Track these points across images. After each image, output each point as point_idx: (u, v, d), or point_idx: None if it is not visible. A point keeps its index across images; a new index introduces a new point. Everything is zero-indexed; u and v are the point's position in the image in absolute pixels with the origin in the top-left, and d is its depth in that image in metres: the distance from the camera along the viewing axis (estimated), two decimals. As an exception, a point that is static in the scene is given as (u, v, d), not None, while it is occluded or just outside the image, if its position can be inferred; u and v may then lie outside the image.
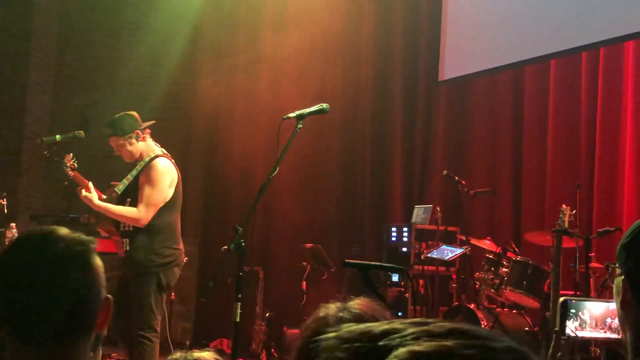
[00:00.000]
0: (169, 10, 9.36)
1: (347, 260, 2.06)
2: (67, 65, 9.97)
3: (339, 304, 1.79)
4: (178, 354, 2.10)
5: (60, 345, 1.52)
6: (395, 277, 7.55)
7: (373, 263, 2.44)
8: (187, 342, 9.22)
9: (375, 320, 0.97)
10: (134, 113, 5.29)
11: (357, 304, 1.80)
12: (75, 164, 5.06)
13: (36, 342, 1.51)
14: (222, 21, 9.46)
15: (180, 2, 9.37)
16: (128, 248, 5.09)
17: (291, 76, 8.87)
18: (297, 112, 4.00)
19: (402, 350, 0.77)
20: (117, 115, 5.25)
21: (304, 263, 7.74)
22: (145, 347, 4.93)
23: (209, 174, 9.70)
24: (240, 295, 3.69)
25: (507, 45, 7.86)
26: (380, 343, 0.79)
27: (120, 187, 5.11)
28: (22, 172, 8.93)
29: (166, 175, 5.11)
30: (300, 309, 7.61)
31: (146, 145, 5.20)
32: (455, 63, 8.42)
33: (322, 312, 1.78)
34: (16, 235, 5.55)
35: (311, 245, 7.73)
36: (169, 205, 5.13)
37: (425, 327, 0.80)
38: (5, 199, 5.92)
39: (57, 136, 5.17)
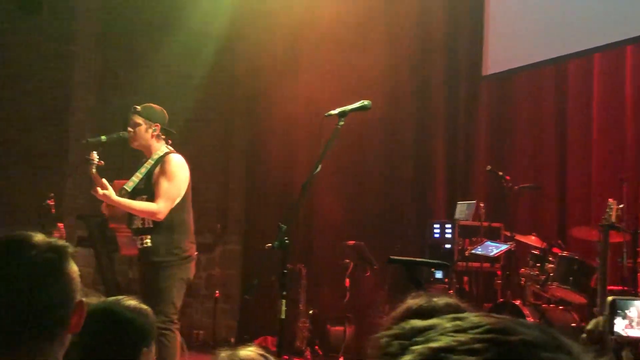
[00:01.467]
0: (206, 10, 9.42)
1: (392, 257, 2.05)
2: (109, 66, 10.10)
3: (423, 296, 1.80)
4: (224, 353, 2.12)
5: (33, 348, 1.55)
6: (439, 274, 7.50)
7: (418, 259, 2.42)
8: (232, 340, 9.29)
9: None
10: (166, 113, 5.38)
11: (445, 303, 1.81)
12: (102, 162, 5.12)
13: (7, 345, 1.54)
14: (259, 21, 9.48)
15: (217, 2, 9.43)
16: (146, 245, 5.15)
17: (330, 74, 8.87)
18: (339, 110, 3.99)
19: (420, 347, 0.80)
20: (154, 105, 5.38)
21: (347, 260, 7.74)
22: (169, 339, 5.01)
23: (249, 173, 9.75)
24: (285, 293, 3.71)
25: (551, 40, 7.76)
26: (416, 339, 0.82)
27: (130, 185, 5.18)
28: (68, 173, 9.08)
29: (181, 170, 5.22)
30: (344, 306, 7.61)
31: (157, 145, 5.28)
32: (499, 58, 8.33)
33: (407, 305, 1.80)
34: (64, 235, 5.65)
35: (354, 242, 7.72)
36: (183, 201, 5.23)
37: (457, 322, 0.82)
38: (53, 200, 6.02)
39: (103, 137, 5.24)
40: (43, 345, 1.57)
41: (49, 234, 5.00)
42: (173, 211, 5.16)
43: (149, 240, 5.16)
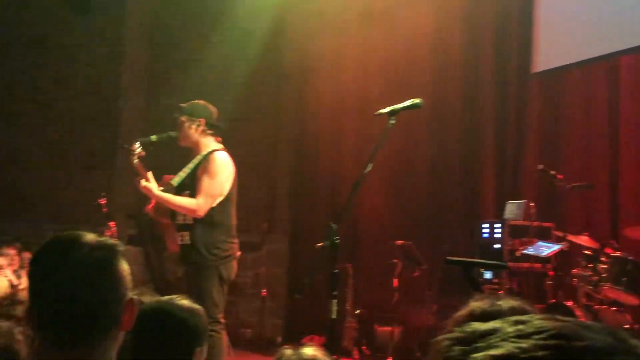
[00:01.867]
0: (253, 8, 9.46)
1: (449, 258, 2.01)
2: (158, 67, 10.20)
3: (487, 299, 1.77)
4: (289, 351, 2.11)
5: (85, 346, 1.56)
6: (488, 275, 7.42)
7: (476, 260, 2.38)
8: (278, 339, 9.30)
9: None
10: (213, 109, 5.38)
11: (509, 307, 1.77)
12: (143, 152, 5.13)
13: (61, 343, 1.55)
14: (306, 19, 9.48)
15: (263, 1, 9.46)
16: (185, 242, 5.16)
17: (378, 72, 8.83)
18: (390, 108, 3.95)
19: (481, 355, 0.77)
20: (199, 100, 5.38)
21: (395, 260, 7.69)
22: (215, 339, 5.00)
23: (296, 172, 9.76)
24: (335, 292, 3.69)
25: (602, 35, 7.62)
26: (477, 345, 0.80)
27: (176, 180, 5.19)
28: (118, 173, 9.19)
29: (224, 168, 5.19)
30: (392, 306, 7.56)
31: (206, 140, 5.28)
32: (549, 54, 8.21)
33: (470, 307, 1.77)
34: (115, 233, 5.71)
35: (402, 242, 7.67)
36: (227, 200, 5.20)
37: (519, 327, 0.79)
38: (105, 199, 6.09)
39: (153, 137, 5.27)
40: (96, 343, 1.58)
41: (100, 232, 5.07)
42: (214, 209, 5.15)
43: (187, 238, 5.17)
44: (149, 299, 2.47)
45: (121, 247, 1.67)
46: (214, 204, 5.16)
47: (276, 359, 2.15)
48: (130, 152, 5.10)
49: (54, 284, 1.58)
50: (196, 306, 2.51)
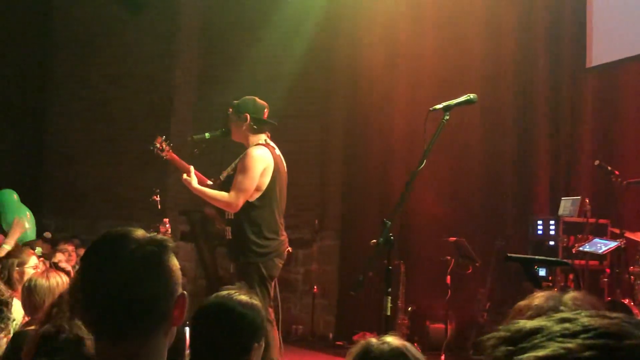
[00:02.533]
0: (303, 4, 9.47)
1: (509, 255, 1.98)
2: (210, 64, 10.28)
3: (549, 295, 1.73)
4: (374, 340, 2.11)
5: (137, 341, 1.58)
6: (542, 272, 7.31)
7: (537, 257, 2.35)
8: (330, 335, 9.32)
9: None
10: (263, 104, 5.35)
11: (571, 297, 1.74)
12: (164, 145, 5.15)
13: (114, 338, 1.57)
14: (357, 16, 9.45)
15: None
16: (228, 237, 5.18)
17: (429, 68, 8.76)
18: (444, 104, 3.91)
19: (526, 357, 0.76)
20: (251, 96, 5.39)
21: (448, 257, 7.62)
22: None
23: (347, 169, 9.74)
24: (390, 289, 3.67)
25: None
26: (522, 345, 0.78)
27: (224, 175, 5.22)
28: (171, 169, 9.28)
29: (258, 163, 5.12)
30: (445, 303, 7.50)
31: (254, 137, 5.25)
32: (604, 49, 8.05)
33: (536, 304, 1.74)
34: (169, 230, 5.77)
35: (455, 238, 7.61)
36: (266, 196, 5.15)
37: (566, 325, 0.77)
38: (159, 196, 6.16)
39: (207, 134, 5.31)
40: (147, 338, 1.60)
41: (155, 228, 5.14)
42: (252, 205, 5.12)
43: (229, 233, 5.19)
44: (245, 296, 2.45)
45: (171, 243, 1.68)
46: (252, 200, 5.13)
47: (362, 348, 2.13)
48: (153, 146, 5.13)
49: (104, 279, 1.60)
50: (254, 301, 2.52)
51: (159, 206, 6.20)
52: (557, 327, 0.77)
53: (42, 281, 3.46)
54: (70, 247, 7.23)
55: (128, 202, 9.29)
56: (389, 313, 3.66)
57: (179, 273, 1.66)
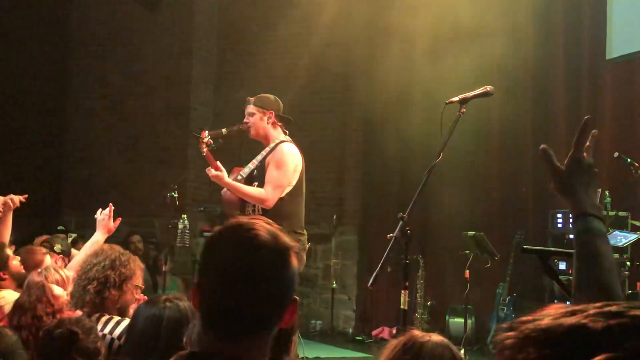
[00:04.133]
0: (322, 2, 9.44)
1: (526, 247, 1.96)
2: (227, 61, 10.31)
3: None
4: (417, 332, 2.09)
5: (248, 341, 1.56)
6: (562, 265, 7.27)
7: (555, 249, 2.32)
8: (350, 330, 9.32)
9: None
10: (280, 102, 5.39)
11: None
12: (211, 141, 5.16)
13: (226, 335, 1.55)
14: (374, 7, 9.42)
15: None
16: None
17: (448, 60, 8.71)
18: (461, 96, 3.89)
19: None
20: (269, 94, 5.43)
21: (467, 251, 7.59)
22: None
23: (365, 163, 9.73)
24: (407, 284, 3.66)
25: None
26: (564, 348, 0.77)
27: (245, 171, 5.22)
28: (189, 166, 9.33)
29: (291, 159, 5.18)
30: (465, 297, 7.47)
31: (275, 132, 5.30)
32: (624, 39, 7.97)
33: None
34: (187, 226, 5.79)
35: (474, 232, 7.57)
36: (294, 191, 5.20)
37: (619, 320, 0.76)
38: (176, 192, 6.18)
39: (223, 130, 5.32)
40: (258, 338, 1.59)
41: (174, 225, 5.13)
42: (283, 201, 5.16)
43: None
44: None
45: (296, 247, 1.67)
46: (283, 195, 5.17)
47: (407, 340, 2.11)
48: (199, 140, 5.14)
49: (223, 274, 1.58)
50: None
51: (177, 202, 6.23)
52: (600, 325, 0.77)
53: (39, 279, 3.45)
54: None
55: (147, 198, 9.32)
56: (406, 307, 3.65)
57: (297, 277, 1.66)
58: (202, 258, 1.64)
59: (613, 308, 0.79)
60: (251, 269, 1.56)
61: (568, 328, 0.78)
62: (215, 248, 1.62)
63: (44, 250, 4.66)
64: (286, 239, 1.62)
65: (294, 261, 1.61)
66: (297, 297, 1.63)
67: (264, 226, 1.61)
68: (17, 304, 3.36)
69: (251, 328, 1.56)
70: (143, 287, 3.41)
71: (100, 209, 4.24)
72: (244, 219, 1.65)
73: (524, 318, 0.86)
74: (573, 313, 0.81)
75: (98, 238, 4.19)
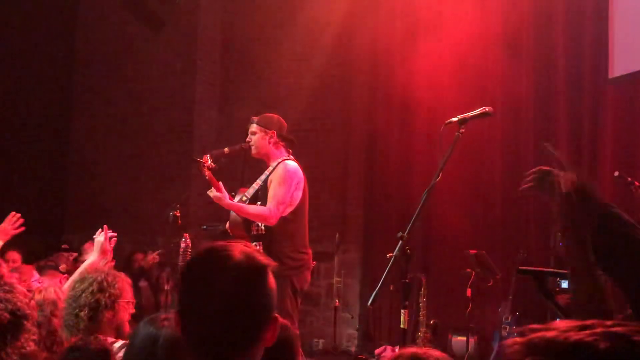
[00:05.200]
0: (320, 21, 9.52)
1: (521, 267, 1.99)
2: (231, 81, 10.36)
3: None
4: (419, 350, 2.10)
5: (230, 358, 1.59)
6: (564, 284, 7.25)
7: (548, 270, 2.35)
8: (353, 349, 9.30)
9: None
10: (284, 122, 5.43)
11: None
12: (213, 165, 5.20)
13: (208, 355, 1.58)
14: (376, 28, 9.48)
15: (331, 13, 9.50)
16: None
17: (449, 79, 8.76)
18: (460, 117, 3.91)
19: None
20: (272, 113, 5.47)
21: (469, 270, 7.59)
22: None
23: (367, 182, 9.75)
24: (407, 303, 3.67)
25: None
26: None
27: (250, 192, 5.25)
28: (192, 185, 9.35)
29: (293, 177, 5.22)
30: (466, 316, 7.47)
31: (277, 152, 5.34)
32: (624, 59, 8.00)
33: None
34: (190, 245, 5.80)
35: (476, 251, 7.57)
36: (297, 210, 5.23)
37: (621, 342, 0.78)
38: (179, 211, 6.20)
39: (225, 149, 5.36)
40: (240, 357, 1.61)
41: (176, 244, 5.15)
42: (286, 219, 5.18)
43: (261, 248, 5.21)
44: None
45: (270, 266, 1.69)
46: (286, 214, 5.20)
47: (411, 357, 2.12)
48: (201, 164, 5.18)
49: (202, 297, 1.62)
50: (283, 321, 2.53)
51: (179, 221, 6.25)
52: (605, 344, 0.79)
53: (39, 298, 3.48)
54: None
55: (150, 217, 9.35)
56: (406, 326, 3.67)
57: (275, 295, 1.68)
58: (181, 284, 1.69)
59: (619, 329, 0.81)
60: (226, 290, 1.59)
61: (574, 343, 0.80)
62: (191, 273, 1.67)
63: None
64: (261, 258, 1.65)
65: (271, 280, 1.64)
66: (277, 315, 1.66)
67: (238, 247, 1.65)
68: None
69: (232, 349, 1.59)
70: (135, 301, 3.43)
71: (100, 230, 4.25)
72: (218, 243, 1.69)
73: (535, 326, 0.88)
74: (582, 328, 0.83)
75: (94, 259, 4.17)
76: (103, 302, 3.23)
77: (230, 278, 1.60)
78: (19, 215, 4.36)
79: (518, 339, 0.84)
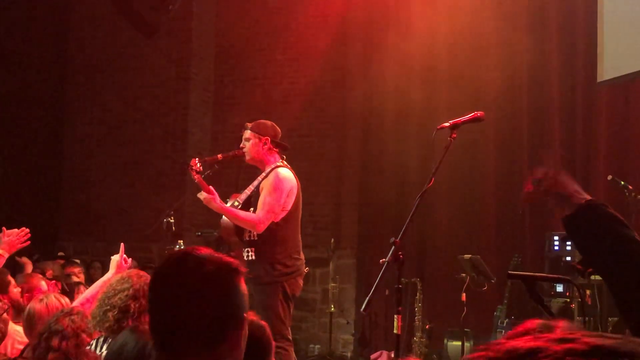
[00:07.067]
0: (316, 26, 9.53)
1: (511, 272, 1.99)
2: (225, 86, 10.36)
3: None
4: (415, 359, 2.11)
5: (197, 357, 1.61)
6: (559, 288, 7.27)
7: (539, 274, 2.35)
8: (349, 355, 9.29)
9: None
10: (278, 128, 5.43)
11: None
12: (201, 168, 5.19)
13: (173, 354, 1.61)
14: (370, 30, 9.50)
15: (326, 17, 9.52)
16: (252, 258, 5.18)
17: (443, 84, 8.78)
18: (452, 122, 3.92)
19: None
20: (265, 120, 5.47)
21: (463, 274, 7.59)
22: (282, 357, 4.98)
23: (362, 187, 9.75)
24: (400, 308, 3.67)
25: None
26: None
27: (242, 197, 5.24)
28: (187, 191, 9.34)
29: (285, 184, 5.20)
30: (461, 321, 7.47)
31: (271, 158, 5.34)
32: (616, 63, 8.03)
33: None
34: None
35: (470, 256, 7.58)
36: (289, 216, 5.22)
37: (569, 345, 0.77)
38: (173, 217, 6.21)
39: (219, 155, 5.36)
40: (210, 358, 1.62)
41: (170, 249, 5.17)
42: (278, 225, 5.17)
43: (253, 254, 5.21)
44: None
45: (241, 267, 1.71)
46: (277, 220, 5.19)
47: None
48: (190, 168, 5.18)
49: (169, 296, 1.65)
50: (261, 322, 2.53)
51: (174, 228, 6.26)
52: (558, 347, 0.77)
53: (40, 307, 3.45)
54: (76, 269, 7.22)
55: (145, 223, 9.34)
56: (399, 332, 3.66)
57: (245, 298, 1.69)
58: (150, 284, 1.73)
59: (571, 335, 0.81)
60: (194, 290, 1.62)
61: (525, 350, 0.80)
62: (161, 275, 1.70)
63: (39, 276, 4.68)
64: (231, 262, 1.68)
65: (241, 284, 1.66)
66: (247, 317, 1.67)
67: (207, 251, 1.68)
68: (54, 330, 3.22)
69: (197, 347, 1.62)
70: None
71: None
72: (189, 248, 1.73)
73: (497, 340, 0.88)
74: (539, 337, 0.82)
75: (109, 277, 4.18)
76: (132, 310, 3.22)
77: (198, 280, 1.65)
78: (27, 230, 4.37)
79: (481, 353, 0.84)
